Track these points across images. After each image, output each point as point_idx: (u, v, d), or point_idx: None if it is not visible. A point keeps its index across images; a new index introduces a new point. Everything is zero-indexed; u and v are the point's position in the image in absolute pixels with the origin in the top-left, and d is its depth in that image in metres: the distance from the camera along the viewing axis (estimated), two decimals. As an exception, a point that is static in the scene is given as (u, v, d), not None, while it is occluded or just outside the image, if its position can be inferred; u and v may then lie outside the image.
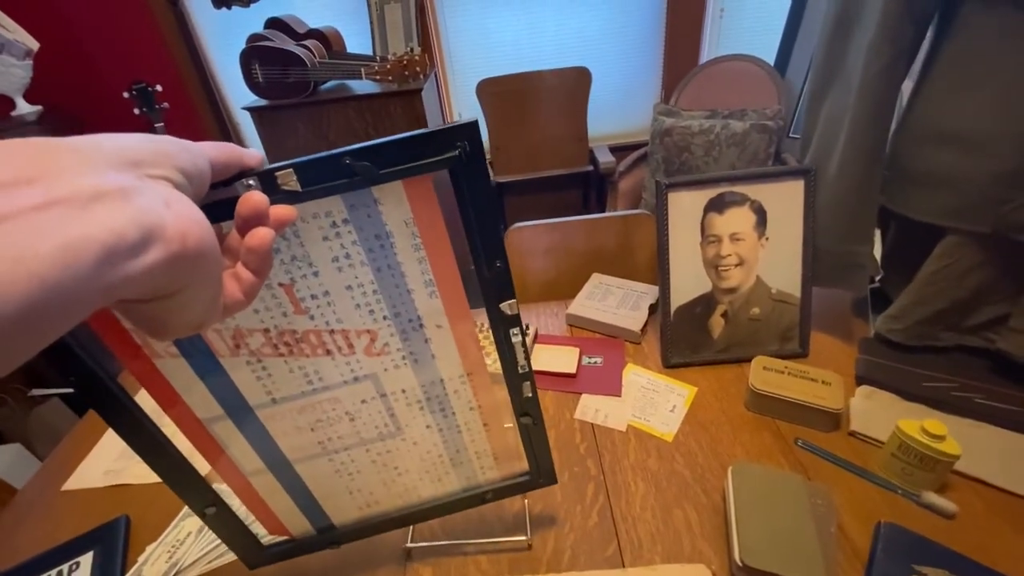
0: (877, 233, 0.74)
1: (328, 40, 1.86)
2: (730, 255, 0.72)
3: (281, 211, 0.28)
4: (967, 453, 0.54)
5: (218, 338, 0.39)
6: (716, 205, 0.71)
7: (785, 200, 0.71)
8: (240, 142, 2.32)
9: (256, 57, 1.74)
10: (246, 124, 2.23)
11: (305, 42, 1.79)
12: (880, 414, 0.65)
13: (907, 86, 0.65)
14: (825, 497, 0.55)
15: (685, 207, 0.71)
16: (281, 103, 1.80)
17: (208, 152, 0.26)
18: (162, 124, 1.94)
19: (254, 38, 1.80)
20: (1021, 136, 0.55)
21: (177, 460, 0.44)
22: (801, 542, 0.50)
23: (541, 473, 0.53)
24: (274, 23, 1.87)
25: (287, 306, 0.38)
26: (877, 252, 0.75)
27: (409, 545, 0.57)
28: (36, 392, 1.82)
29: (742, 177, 0.70)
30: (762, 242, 0.72)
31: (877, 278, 0.79)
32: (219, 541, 0.60)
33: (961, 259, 0.64)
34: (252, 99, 1.86)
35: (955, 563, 0.49)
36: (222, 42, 2.11)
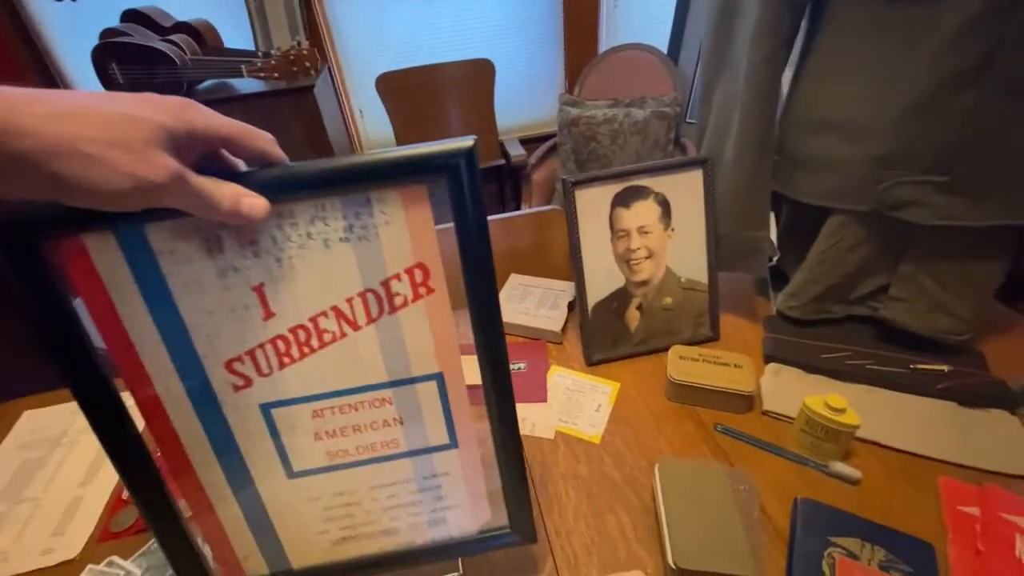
0: (773, 216, 0.77)
1: (200, 34, 1.67)
2: (639, 248, 0.72)
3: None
4: (864, 419, 0.57)
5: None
6: (622, 199, 0.70)
7: (686, 190, 0.72)
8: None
9: (112, 55, 1.53)
10: (112, 132, 1.97)
11: (172, 37, 1.60)
12: (788, 390, 0.68)
13: (788, 74, 0.68)
14: (747, 482, 0.56)
15: (592, 203, 0.70)
16: (150, 107, 1.60)
17: None
18: (1, 136, 1.65)
19: (108, 33, 1.58)
20: (891, 122, 0.59)
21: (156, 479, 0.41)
22: (729, 533, 0.50)
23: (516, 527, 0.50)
24: (132, 16, 1.66)
25: (258, 308, 0.37)
26: (773, 234, 0.79)
27: (327, 601, 0.51)
28: None
29: (644, 170, 0.70)
30: (668, 233, 0.72)
31: (775, 259, 0.83)
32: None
33: (846, 237, 0.68)
34: (114, 103, 1.63)
35: (864, 530, 0.52)
36: (71, 39, 1.84)
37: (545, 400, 0.71)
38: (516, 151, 2.06)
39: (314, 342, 0.39)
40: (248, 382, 0.40)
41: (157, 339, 0.37)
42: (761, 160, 0.67)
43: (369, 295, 0.38)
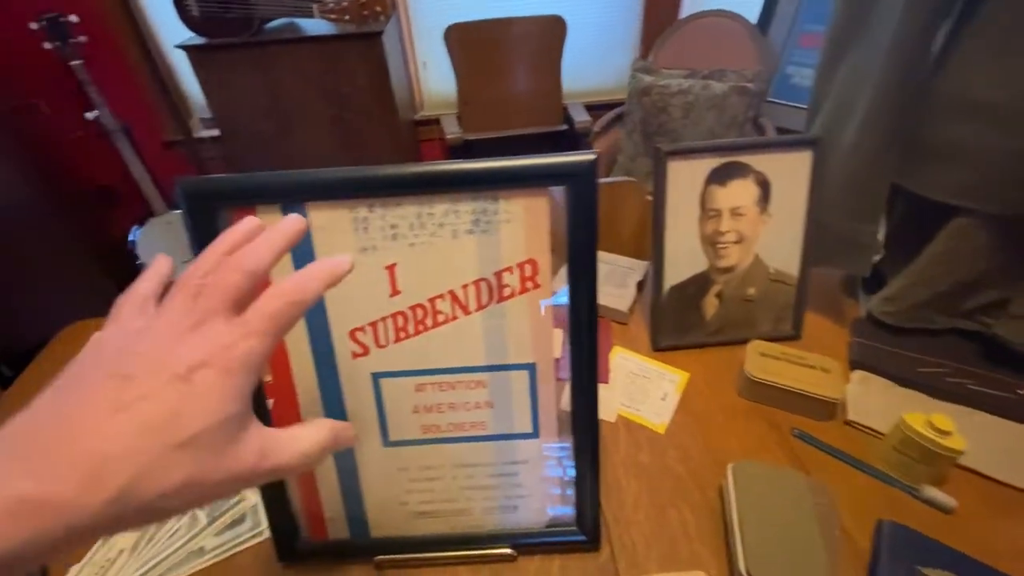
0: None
1: (274, -30, 1.64)
2: (729, 232, 0.66)
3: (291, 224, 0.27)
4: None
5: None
6: (718, 176, 0.64)
7: (790, 172, 0.65)
8: (175, 86, 2.07)
9: (189, -14, 1.52)
10: (182, 65, 1.98)
11: (246, -29, 1.57)
12: (876, 401, 0.63)
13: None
14: (827, 496, 0.52)
15: (685, 177, 0.64)
16: (221, 42, 1.59)
17: None
18: (80, 61, 1.69)
19: (186, -36, 1.57)
20: None
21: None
22: (806, 547, 0.47)
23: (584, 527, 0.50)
24: (209, -53, 1.63)
25: (386, 285, 0.41)
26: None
27: (379, 557, 0.51)
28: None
29: (747, 146, 0.64)
30: (764, 218, 0.66)
31: (876, 257, 0.75)
32: (156, 560, 0.52)
33: (969, 241, 0.61)
34: (188, 35, 1.64)
35: (958, 563, 0.47)
36: (148, -32, 1.85)
37: (607, 381, 0.68)
38: (580, 117, 1.97)
39: (428, 321, 0.43)
40: (366, 350, 0.43)
41: None
42: (888, 146, 0.59)
43: (483, 283, 0.42)
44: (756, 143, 0.63)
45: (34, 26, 1.63)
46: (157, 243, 1.97)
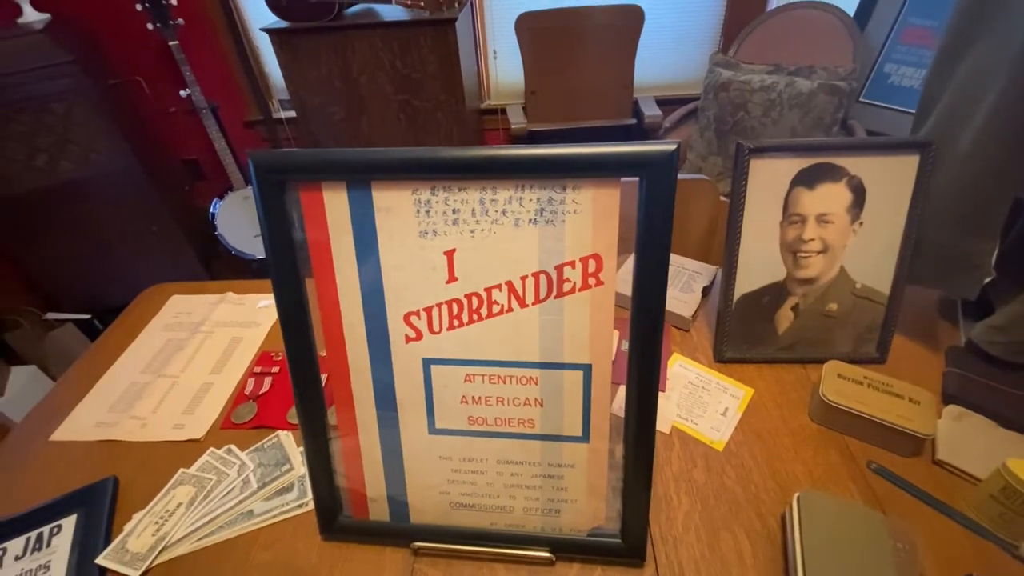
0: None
1: (356, -44, 1.68)
2: (813, 240, 0.61)
3: None
4: (1084, 503, 0.45)
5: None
6: (806, 178, 0.59)
7: (891, 178, 0.58)
8: (259, 68, 2.17)
9: (276, -29, 1.58)
10: (266, 47, 2.07)
11: (331, -43, 1.62)
12: (972, 442, 0.56)
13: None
14: (908, 540, 0.47)
15: (768, 177, 0.59)
16: (303, 26, 1.65)
17: None
18: (176, 43, 1.81)
19: (275, -51, 1.63)
20: None
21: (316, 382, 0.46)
22: (880, 596, 0.42)
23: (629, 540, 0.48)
24: (297, -67, 1.69)
25: (444, 271, 0.40)
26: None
27: (417, 544, 0.50)
28: (51, 316, 1.81)
29: (843, 147, 0.58)
30: (855, 227, 0.60)
31: (986, 280, 0.67)
32: (209, 517, 0.55)
33: (1108, 269, 0.52)
34: (273, 19, 1.71)
35: (1066, 640, 0.41)
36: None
37: (663, 389, 0.65)
38: (651, 111, 1.90)
39: (483, 311, 0.42)
40: (419, 335, 0.43)
41: (355, 280, 0.42)
42: (1013, 155, 0.52)
43: (542, 276, 0.40)
44: (854, 144, 0.57)
45: (139, 8, 1.75)
46: (235, 216, 2.09)
